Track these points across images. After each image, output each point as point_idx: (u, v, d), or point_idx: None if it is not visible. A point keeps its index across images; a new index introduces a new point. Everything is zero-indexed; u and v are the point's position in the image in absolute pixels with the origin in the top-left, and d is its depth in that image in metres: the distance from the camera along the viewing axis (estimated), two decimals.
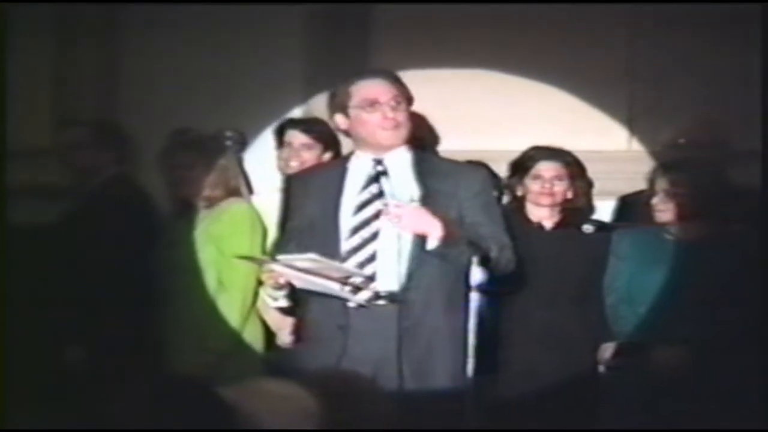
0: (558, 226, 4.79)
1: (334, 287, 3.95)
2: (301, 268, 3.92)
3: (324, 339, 4.03)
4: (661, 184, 4.63)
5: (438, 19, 5.75)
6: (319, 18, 5.93)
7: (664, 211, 4.63)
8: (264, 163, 5.20)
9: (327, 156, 4.90)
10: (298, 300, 4.11)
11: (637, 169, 4.95)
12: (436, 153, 5.16)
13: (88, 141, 5.10)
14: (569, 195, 4.78)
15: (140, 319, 4.76)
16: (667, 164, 4.78)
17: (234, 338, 4.65)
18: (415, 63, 5.30)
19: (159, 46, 5.94)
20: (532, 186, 4.76)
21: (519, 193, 4.81)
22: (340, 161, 4.32)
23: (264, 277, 4.10)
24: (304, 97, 5.81)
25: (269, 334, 4.78)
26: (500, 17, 5.72)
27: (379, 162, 4.07)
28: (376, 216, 3.99)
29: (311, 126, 4.97)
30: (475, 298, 3.76)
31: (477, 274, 3.75)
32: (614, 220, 5.18)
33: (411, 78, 4.24)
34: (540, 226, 4.78)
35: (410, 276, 3.97)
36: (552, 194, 4.75)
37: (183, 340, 4.64)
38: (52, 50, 6.07)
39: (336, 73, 5.20)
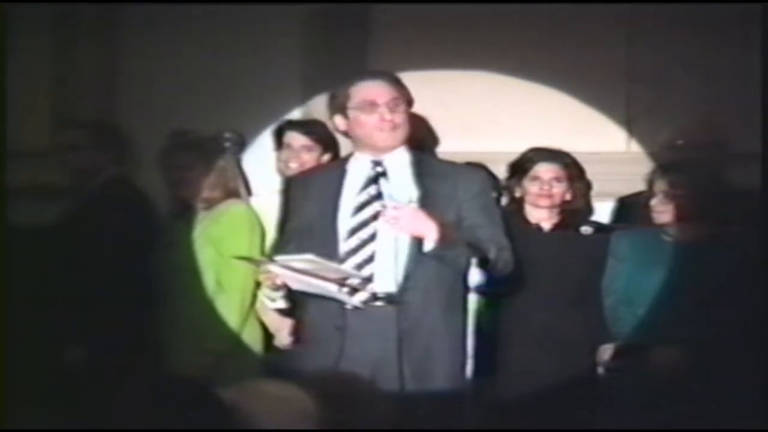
0: (556, 227, 4.80)
1: (331, 288, 3.95)
2: (299, 269, 3.93)
3: (322, 340, 4.04)
4: (660, 185, 4.64)
5: (437, 19, 5.75)
6: (318, 19, 5.93)
7: (662, 212, 4.64)
8: (263, 164, 5.20)
9: (326, 157, 4.90)
10: (296, 301, 4.12)
11: (636, 170, 4.95)
12: (435, 154, 5.17)
13: (87, 141, 5.10)
14: (568, 196, 4.79)
15: (139, 320, 4.77)
16: (665, 166, 4.78)
17: (233, 339, 4.65)
18: (415, 64, 5.30)
19: (158, 47, 5.93)
20: (530, 187, 4.77)
21: (518, 194, 4.81)
22: (339, 163, 4.32)
23: (261, 277, 4.11)
24: (303, 98, 5.81)
25: (268, 336, 4.79)
26: (499, 18, 5.71)
27: (378, 163, 4.08)
28: (375, 217, 4.00)
29: (311, 127, 4.97)
30: (473, 299, 3.76)
31: (475, 276, 3.76)
32: (613, 221, 5.18)
33: (410, 79, 4.25)
34: (538, 228, 4.79)
35: (407, 277, 3.98)
36: (551, 196, 4.75)
37: (182, 340, 4.64)
38: (52, 50, 6.07)
39: (335, 74, 5.22)
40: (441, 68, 5.70)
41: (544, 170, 4.76)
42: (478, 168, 4.51)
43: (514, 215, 4.69)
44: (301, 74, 5.88)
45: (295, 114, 5.69)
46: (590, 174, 4.99)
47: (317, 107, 5.42)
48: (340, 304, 3.99)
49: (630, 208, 5.07)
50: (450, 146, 5.43)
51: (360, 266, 3.99)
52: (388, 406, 3.20)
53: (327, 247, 4.00)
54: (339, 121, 4.18)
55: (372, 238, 4.01)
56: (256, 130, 5.57)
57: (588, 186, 5.04)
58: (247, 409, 2.79)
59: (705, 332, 4.50)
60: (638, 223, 4.82)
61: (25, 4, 5.28)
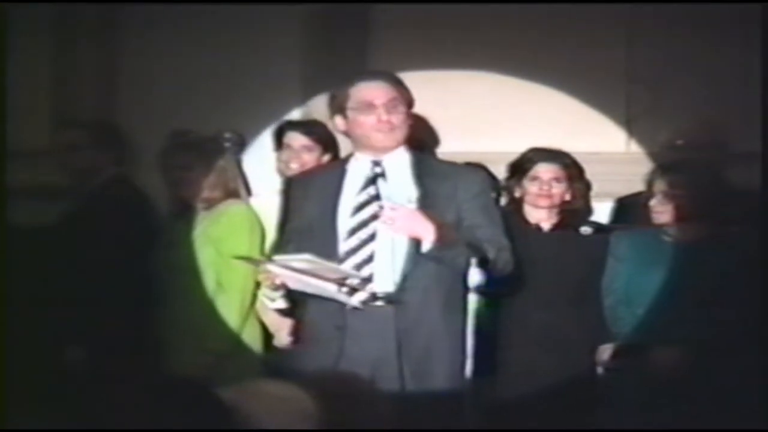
0: (556, 227, 4.80)
1: (330, 289, 3.95)
2: (298, 269, 3.93)
3: (321, 340, 4.04)
4: (660, 185, 4.64)
5: (437, 20, 5.75)
6: (318, 19, 5.93)
7: (662, 212, 4.64)
8: (263, 164, 5.20)
9: (326, 158, 4.90)
10: (296, 301, 4.12)
11: (636, 170, 4.95)
12: (435, 155, 5.17)
13: (87, 141, 5.10)
14: (567, 197, 4.79)
15: (139, 320, 4.77)
16: (665, 166, 4.78)
17: (232, 339, 4.65)
18: (415, 64, 5.30)
19: (158, 47, 5.94)
20: (530, 188, 4.77)
21: (517, 194, 4.81)
22: (340, 163, 4.33)
23: (260, 277, 4.11)
24: (303, 98, 5.81)
25: (268, 335, 4.79)
26: (499, 18, 5.71)
27: (377, 164, 4.08)
28: (374, 217, 4.00)
29: (311, 128, 4.97)
30: (473, 299, 3.76)
31: (475, 276, 3.76)
32: (612, 221, 5.19)
33: (410, 79, 4.25)
34: (538, 228, 4.79)
35: (406, 277, 3.99)
36: (550, 196, 4.75)
37: (182, 340, 4.64)
38: (52, 50, 6.07)
39: (335, 74, 5.22)
40: (441, 68, 5.70)
41: (544, 170, 4.76)
42: (478, 168, 4.52)
43: (513, 215, 4.69)
44: (301, 74, 5.88)
45: (295, 114, 5.69)
46: (590, 174, 4.99)
47: (317, 107, 5.43)
48: (340, 303, 4.00)
49: (629, 209, 5.07)
50: (450, 146, 5.44)
51: (359, 266, 3.99)
52: (388, 406, 3.20)
53: (327, 247, 4.01)
54: (339, 121, 4.19)
55: (371, 238, 4.01)
56: (256, 130, 5.58)
57: (587, 186, 5.04)
58: (247, 409, 2.80)
59: (705, 332, 4.50)
60: (638, 224, 4.82)
61: (25, 4, 5.28)
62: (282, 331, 4.70)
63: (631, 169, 5.08)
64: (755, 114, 4.88)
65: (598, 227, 4.88)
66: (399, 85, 4.15)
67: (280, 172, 4.96)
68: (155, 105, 5.86)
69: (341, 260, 4.00)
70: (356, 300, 3.99)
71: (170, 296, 4.72)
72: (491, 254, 3.97)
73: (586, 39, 5.71)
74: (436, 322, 4.01)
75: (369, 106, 4.08)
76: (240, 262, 4.37)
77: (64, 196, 5.17)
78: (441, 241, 3.93)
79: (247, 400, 2.83)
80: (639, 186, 4.81)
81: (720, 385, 4.48)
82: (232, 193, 4.80)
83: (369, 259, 4.01)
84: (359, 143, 4.15)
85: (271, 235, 4.73)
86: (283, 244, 4.22)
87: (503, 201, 4.87)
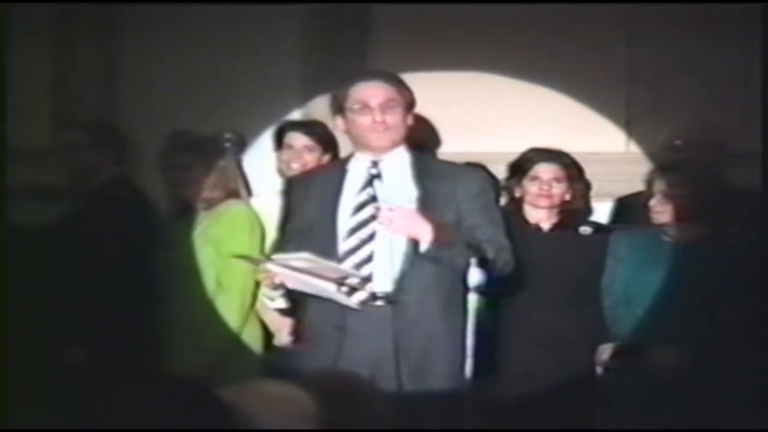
0: (556, 227, 4.80)
1: (329, 288, 3.96)
2: (297, 268, 3.93)
3: (321, 340, 4.05)
4: (659, 185, 4.64)
5: (437, 20, 5.75)
6: (318, 19, 5.93)
7: (662, 212, 4.64)
8: (263, 164, 5.20)
9: (326, 158, 4.91)
10: (296, 301, 4.12)
11: (635, 170, 4.96)
12: (435, 155, 5.17)
13: (87, 141, 5.09)
14: (567, 197, 4.79)
15: (139, 320, 4.77)
16: (665, 166, 4.78)
17: (233, 339, 4.65)
18: (414, 64, 5.29)
19: (158, 47, 5.94)
20: (530, 188, 4.77)
21: (517, 194, 4.81)
22: (340, 163, 4.33)
23: (259, 277, 4.12)
24: (303, 98, 5.81)
25: (268, 335, 4.79)
26: (499, 18, 5.71)
27: (374, 165, 4.08)
28: (374, 217, 4.00)
29: (312, 128, 4.98)
30: (473, 299, 3.76)
31: (475, 276, 3.76)
32: (612, 221, 5.19)
33: (410, 79, 4.25)
34: (538, 228, 4.79)
35: (404, 277, 3.99)
36: (550, 196, 4.75)
37: (182, 340, 4.65)
38: (52, 50, 6.07)
39: (335, 74, 5.23)
40: (441, 69, 5.70)
41: (544, 170, 4.76)
42: (478, 168, 4.52)
43: (513, 215, 4.69)
44: (301, 74, 5.88)
45: (295, 114, 5.69)
46: (589, 174, 4.99)
47: (317, 107, 5.44)
48: (340, 303, 4.00)
49: (629, 209, 5.07)
50: (450, 146, 5.44)
51: (359, 266, 4.00)
52: (387, 406, 3.21)
53: (327, 247, 4.01)
54: (339, 121, 4.20)
55: (371, 237, 4.02)
56: (256, 131, 5.58)
57: (587, 186, 5.04)
58: (247, 409, 2.80)
59: (705, 332, 4.50)
60: (637, 224, 4.82)
61: (25, 4, 5.29)
62: (282, 331, 4.70)
63: (631, 169, 5.08)
64: (755, 114, 4.88)
65: (598, 227, 4.88)
66: (399, 85, 4.15)
67: (281, 172, 4.96)
68: (155, 105, 5.86)
69: (341, 260, 4.01)
70: (355, 300, 3.99)
71: (170, 296, 4.72)
72: (490, 254, 3.96)
73: (586, 39, 5.71)
74: (435, 322, 4.02)
75: (365, 107, 4.08)
76: (239, 262, 4.37)
77: (64, 196, 5.17)
78: (439, 241, 3.93)
79: (247, 400, 2.84)
80: (639, 186, 4.81)
81: (720, 385, 4.48)
82: (232, 193, 4.81)
83: (368, 259, 4.01)
84: (358, 143, 4.16)
85: (271, 235, 4.73)
86: (283, 244, 4.23)
87: (503, 201, 4.87)
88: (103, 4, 6.03)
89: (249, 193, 5.04)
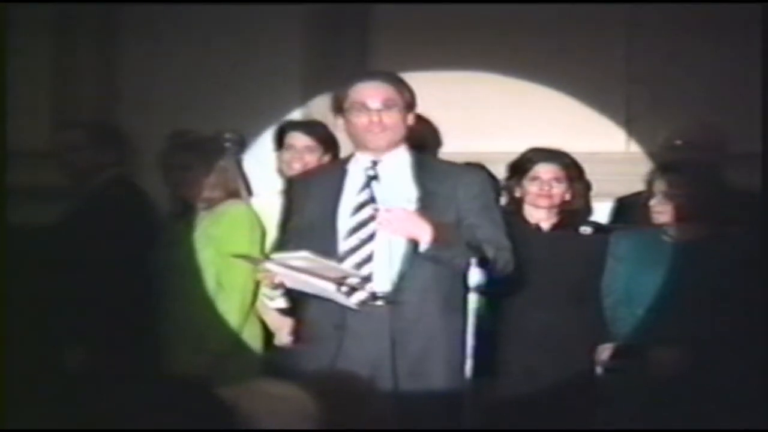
0: (556, 227, 4.80)
1: (329, 288, 3.96)
2: (297, 268, 3.93)
3: (321, 339, 4.05)
4: (659, 185, 4.64)
5: (437, 20, 5.75)
6: (318, 19, 5.93)
7: (662, 212, 4.64)
8: (263, 164, 5.20)
9: (327, 158, 4.91)
10: (296, 300, 4.12)
11: (635, 170, 4.96)
12: (436, 155, 5.17)
13: (87, 142, 5.09)
14: (567, 197, 4.79)
15: (139, 320, 4.77)
16: (665, 166, 4.78)
17: (233, 339, 4.65)
18: (414, 65, 5.28)
19: (159, 47, 5.94)
20: (530, 188, 4.77)
21: (517, 194, 4.81)
22: (341, 163, 4.33)
23: (259, 276, 4.12)
24: (303, 98, 5.82)
25: (268, 335, 4.79)
26: (499, 18, 5.72)
27: (374, 165, 4.08)
28: (373, 217, 4.00)
29: (313, 128, 4.98)
30: (473, 299, 3.76)
31: (475, 276, 3.75)
32: (612, 221, 5.19)
33: (410, 79, 4.24)
34: (538, 228, 4.79)
35: (402, 277, 3.99)
36: (550, 196, 4.75)
37: (182, 340, 4.65)
38: (52, 50, 6.07)
39: (335, 74, 5.24)
40: (441, 69, 5.70)
41: (544, 170, 4.76)
42: (478, 168, 4.52)
43: (513, 215, 4.69)
44: (301, 74, 5.88)
45: (296, 114, 5.69)
46: (589, 174, 4.99)
47: (317, 107, 5.44)
48: (340, 303, 4.00)
49: (629, 209, 5.07)
50: (450, 146, 5.44)
51: (358, 266, 4.00)
52: (386, 406, 3.21)
53: (327, 246, 4.01)
54: (339, 121, 4.20)
55: (370, 237, 4.02)
56: (256, 130, 5.58)
57: (587, 186, 5.04)
58: (247, 409, 2.80)
59: (705, 332, 4.50)
60: (637, 224, 4.82)
61: (25, 4, 5.29)
62: (282, 331, 4.70)
63: (631, 169, 5.08)
64: (755, 114, 4.88)
65: (598, 227, 4.88)
66: (398, 85, 4.15)
67: (281, 172, 4.96)
68: (155, 105, 5.86)
69: (341, 259, 4.01)
70: (354, 300, 3.99)
71: (170, 296, 4.72)
72: (490, 254, 3.96)
73: (586, 39, 5.71)
74: (434, 321, 4.02)
75: (362, 107, 4.08)
76: (239, 261, 4.37)
77: (64, 196, 5.17)
78: (438, 241, 3.93)
79: (247, 400, 2.84)
80: (638, 186, 4.81)
81: (720, 385, 4.47)
82: (232, 193, 4.81)
83: (368, 259, 4.01)
84: (357, 143, 4.16)
85: (271, 235, 4.73)
86: (283, 244, 4.22)
87: (503, 201, 4.87)
88: (104, 4, 6.03)
89: (249, 193, 5.05)
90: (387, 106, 4.09)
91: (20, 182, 4.82)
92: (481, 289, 3.75)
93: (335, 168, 4.32)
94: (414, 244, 3.97)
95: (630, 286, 4.63)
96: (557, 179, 4.76)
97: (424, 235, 3.93)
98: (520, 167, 4.80)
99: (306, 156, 4.91)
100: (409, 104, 4.15)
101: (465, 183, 4.14)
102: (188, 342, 4.63)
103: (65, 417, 4.21)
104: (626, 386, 4.62)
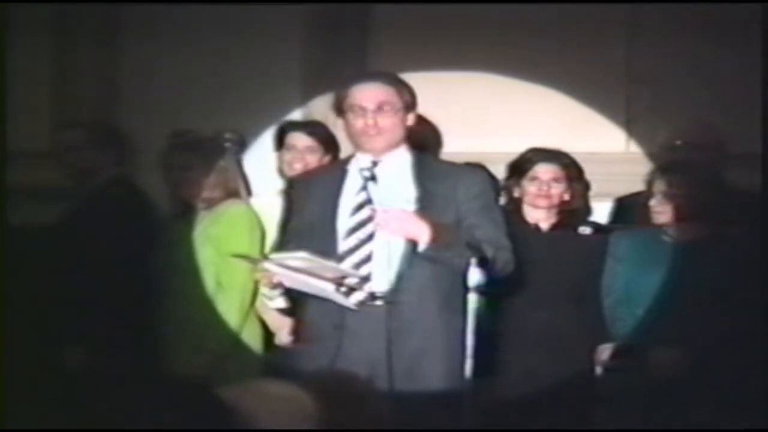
0: (555, 227, 4.80)
1: (328, 288, 3.96)
2: (295, 268, 3.94)
3: (320, 339, 4.05)
4: (659, 185, 4.64)
5: (437, 20, 5.75)
6: (318, 19, 5.93)
7: (662, 212, 4.64)
8: (263, 164, 5.20)
9: (327, 159, 4.91)
10: (296, 300, 4.13)
11: (635, 170, 4.96)
12: (436, 155, 5.17)
13: (87, 141, 5.09)
14: (566, 197, 4.79)
15: (139, 320, 4.77)
16: (665, 166, 4.78)
17: (232, 339, 4.66)
18: (414, 65, 5.29)
19: (159, 47, 5.94)
20: (529, 188, 4.77)
21: (516, 194, 4.82)
22: (341, 163, 4.33)
23: (257, 276, 4.12)
24: (303, 98, 5.82)
25: (268, 335, 4.79)
26: (499, 19, 5.72)
27: (374, 165, 4.07)
28: (372, 218, 4.00)
29: (314, 128, 4.98)
30: (473, 299, 3.76)
31: (475, 276, 3.75)
32: (612, 221, 5.19)
33: (410, 79, 4.24)
34: (537, 228, 4.79)
35: (401, 277, 3.99)
36: (549, 196, 4.76)
37: (182, 340, 4.65)
38: (52, 50, 6.07)
39: (335, 74, 5.24)
40: (441, 69, 5.70)
41: (543, 171, 4.76)
42: (478, 168, 4.52)
43: (512, 215, 4.69)
44: (301, 74, 5.88)
45: (295, 114, 5.70)
46: (589, 174, 4.99)
47: (317, 107, 5.44)
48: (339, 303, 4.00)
49: (629, 209, 5.07)
50: (450, 146, 5.44)
51: (357, 266, 4.00)
52: (385, 406, 3.21)
53: (326, 246, 4.01)
54: (340, 122, 4.20)
55: (370, 238, 4.02)
56: (256, 130, 5.58)
57: (586, 186, 5.05)
58: (247, 409, 2.80)
59: (705, 332, 4.50)
60: (637, 224, 4.82)
61: (25, 4, 5.28)
62: (282, 330, 4.71)
63: (631, 169, 5.08)
64: (755, 114, 4.88)
65: (597, 227, 4.88)
66: (397, 86, 4.13)
67: (281, 172, 4.96)
68: (155, 105, 5.86)
69: (340, 259, 4.01)
70: (353, 300, 3.99)
71: (170, 296, 4.72)
72: (489, 254, 3.96)
73: (586, 39, 5.71)
74: (432, 321, 4.01)
75: (358, 109, 4.08)
76: (238, 261, 4.37)
77: (64, 196, 5.17)
78: (437, 241, 3.93)
79: (247, 400, 2.84)
80: (638, 186, 4.81)
81: (720, 385, 4.47)
82: (232, 193, 4.81)
83: (367, 259, 4.01)
84: (355, 145, 4.17)
85: (271, 235, 4.73)
86: (284, 244, 4.23)
87: (502, 201, 4.87)
88: (103, 4, 6.03)
89: (249, 193, 5.04)
90: (383, 108, 4.08)
91: (20, 182, 4.81)
92: (480, 289, 3.75)
93: (335, 168, 4.32)
94: (413, 244, 3.97)
95: (630, 286, 4.63)
96: (556, 179, 4.76)
97: (423, 236, 3.93)
98: (520, 167, 4.81)
99: (307, 156, 4.91)
100: (409, 105, 4.14)
101: (465, 183, 4.13)
102: (188, 342, 4.63)
103: (65, 417, 4.21)
104: (626, 386, 4.62)
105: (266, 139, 5.29)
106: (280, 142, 5.00)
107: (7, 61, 4.53)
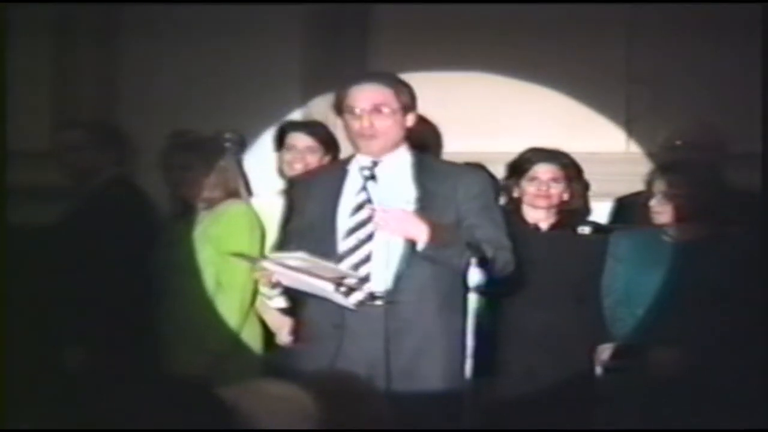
0: (554, 227, 4.80)
1: (327, 287, 3.96)
2: (294, 267, 3.94)
3: (320, 339, 4.05)
4: (659, 185, 4.64)
5: (437, 20, 5.76)
6: (318, 19, 5.94)
7: (661, 212, 4.64)
8: (263, 164, 5.20)
9: (327, 159, 4.91)
10: (296, 300, 4.13)
11: (635, 170, 4.96)
12: (437, 155, 5.17)
13: (87, 142, 5.09)
14: (565, 197, 4.79)
15: (139, 320, 4.77)
16: (665, 166, 4.78)
17: (232, 339, 4.66)
18: (414, 65, 5.29)
19: (159, 47, 5.94)
20: (528, 188, 4.77)
21: (515, 194, 4.81)
22: (341, 163, 4.33)
23: (256, 275, 4.12)
24: (303, 98, 5.82)
25: (269, 334, 4.79)
26: (499, 19, 5.72)
27: (374, 165, 4.07)
28: (372, 218, 4.00)
29: (314, 128, 4.98)
30: (473, 299, 3.76)
31: (475, 276, 3.76)
32: (612, 221, 5.19)
33: (410, 79, 4.24)
34: (536, 228, 4.79)
35: (400, 277, 3.99)
36: (548, 196, 4.75)
37: (182, 340, 4.65)
38: (52, 50, 6.08)
39: (335, 74, 5.24)
40: (441, 69, 5.70)
41: (542, 171, 4.76)
42: (478, 168, 4.53)
43: (511, 215, 4.69)
44: (301, 74, 5.89)
45: (295, 114, 5.70)
46: (589, 174, 4.99)
47: (317, 107, 5.44)
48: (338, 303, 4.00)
49: (629, 209, 5.07)
50: (450, 146, 5.44)
51: (357, 266, 4.00)
52: (384, 405, 3.21)
53: (326, 247, 4.02)
54: (340, 122, 4.20)
55: (369, 238, 4.02)
56: (256, 130, 5.58)
57: (586, 186, 5.05)
58: (247, 409, 2.80)
59: (704, 332, 4.50)
60: (637, 224, 4.82)
61: (25, 5, 5.28)
62: (283, 330, 4.71)
63: (631, 169, 5.08)
64: (755, 114, 4.88)
65: (597, 227, 4.88)
66: (396, 87, 4.12)
67: (281, 172, 4.96)
68: (155, 105, 5.86)
69: (339, 259, 4.01)
70: (353, 300, 3.99)
71: (170, 296, 4.72)
72: (489, 253, 3.96)
73: (586, 39, 5.71)
74: (431, 321, 4.02)
75: (354, 111, 4.07)
76: (237, 260, 4.37)
77: (64, 196, 5.17)
78: (435, 241, 3.93)
79: (247, 400, 2.84)
80: (638, 186, 4.81)
81: (720, 385, 4.47)
82: (232, 193, 4.81)
83: (366, 259, 4.01)
84: (353, 146, 4.17)
85: (271, 235, 4.73)
86: (284, 244, 4.23)
87: (502, 201, 4.87)
88: (104, 4, 6.03)
89: (249, 193, 5.04)
90: (379, 110, 4.07)
91: (20, 182, 4.81)
92: (480, 289, 3.75)
93: (336, 168, 4.32)
94: (412, 244, 3.97)
95: (630, 286, 4.63)
96: (555, 179, 4.76)
97: (422, 235, 3.93)
98: (519, 167, 4.81)
99: (307, 156, 4.91)
100: (407, 106, 4.13)
101: (465, 183, 4.13)
102: (188, 342, 4.63)
103: (65, 417, 4.21)
104: (626, 386, 4.62)
105: (266, 139, 5.29)
106: (280, 142, 5.00)
107: (7, 61, 4.53)
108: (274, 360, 4.63)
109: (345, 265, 3.99)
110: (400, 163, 4.13)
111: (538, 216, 4.79)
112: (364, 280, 3.99)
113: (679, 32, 5.64)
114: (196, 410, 2.67)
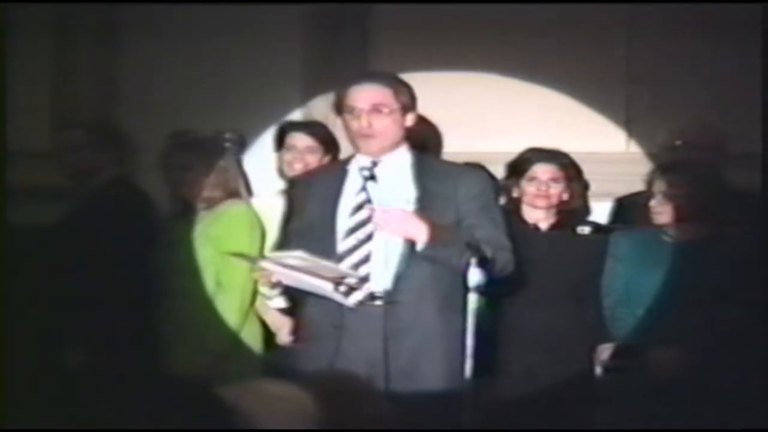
0: (554, 227, 4.80)
1: (326, 287, 3.96)
2: (294, 267, 3.94)
3: (319, 339, 4.05)
4: (659, 185, 4.63)
5: (436, 20, 5.75)
6: (318, 19, 5.93)
7: (661, 212, 4.63)
8: (263, 164, 5.20)
9: (327, 159, 4.91)
10: (296, 300, 4.13)
11: (635, 170, 4.95)
12: (437, 155, 5.17)
13: (87, 142, 5.09)
14: (565, 197, 4.79)
15: (139, 320, 4.77)
16: (665, 166, 4.78)
17: (232, 339, 4.66)
18: (414, 65, 5.29)
19: (159, 47, 5.94)
20: (528, 188, 4.77)
21: (515, 194, 4.81)
22: (341, 163, 4.33)
23: (256, 275, 4.12)
24: (303, 98, 5.82)
25: (269, 334, 4.79)
26: (499, 19, 5.72)
27: (373, 165, 4.07)
28: (371, 218, 4.00)
29: (314, 128, 4.98)
30: (473, 299, 3.76)
31: (475, 276, 3.76)
32: (612, 221, 5.19)
33: (410, 79, 4.24)
34: (536, 228, 4.79)
35: (399, 277, 4.00)
36: (548, 196, 4.75)
37: (182, 340, 4.65)
38: (52, 50, 6.07)
39: (335, 74, 5.24)
40: (441, 69, 5.70)
41: (542, 171, 4.76)
42: (478, 168, 4.52)
43: (511, 215, 4.69)
44: (301, 74, 5.88)
45: (295, 114, 5.70)
46: (589, 174, 4.99)
47: (317, 107, 5.44)
48: (338, 302, 4.00)
49: (629, 209, 5.07)
50: (450, 146, 5.44)
51: (356, 266, 4.00)
52: (383, 405, 3.21)
53: (326, 246, 4.02)
54: (340, 122, 4.20)
55: (368, 238, 4.02)
56: (256, 130, 5.58)
57: (585, 186, 5.05)
58: (247, 409, 2.80)
59: (705, 332, 4.50)
60: (637, 224, 4.82)
61: (25, 4, 5.29)
62: (283, 330, 4.71)
63: (631, 169, 5.08)
64: (755, 114, 4.88)
65: (596, 227, 4.88)
66: (396, 87, 4.12)
67: (281, 172, 4.96)
68: (155, 105, 5.86)
69: (339, 259, 4.01)
70: (352, 300, 3.99)
71: (170, 296, 4.72)
72: (489, 253, 3.96)
73: (586, 39, 5.71)
74: (431, 321, 4.02)
75: (353, 111, 4.07)
76: (236, 260, 4.38)
77: (64, 196, 5.17)
78: (435, 241, 3.93)
79: (247, 400, 2.84)
80: (638, 186, 4.81)
81: (720, 385, 4.47)
82: (232, 193, 4.81)
83: (366, 259, 4.01)
84: (352, 146, 4.17)
85: (271, 235, 4.73)
86: (284, 244, 4.23)
87: (501, 201, 4.87)
88: (103, 4, 6.03)
89: (249, 193, 5.04)
90: (378, 110, 4.07)
91: (20, 182, 4.82)
92: (480, 289, 3.75)
93: (336, 168, 4.32)
94: (411, 244, 3.97)
95: (630, 286, 4.63)
96: (555, 179, 4.76)
97: (421, 235, 3.93)
98: (518, 167, 4.80)
99: (307, 156, 4.91)
100: (407, 106, 4.13)
101: (465, 183, 4.13)
102: (188, 342, 4.63)
103: (65, 417, 4.21)
104: (626, 386, 4.62)
105: (266, 139, 5.29)
106: (280, 143, 5.00)
107: (7, 61, 4.53)
108: (274, 360, 4.63)
109: (345, 265, 3.99)
110: (399, 163, 4.13)
111: (538, 216, 4.79)
112: (364, 280, 3.99)
113: (679, 32, 5.64)
114: (196, 410, 2.67)
